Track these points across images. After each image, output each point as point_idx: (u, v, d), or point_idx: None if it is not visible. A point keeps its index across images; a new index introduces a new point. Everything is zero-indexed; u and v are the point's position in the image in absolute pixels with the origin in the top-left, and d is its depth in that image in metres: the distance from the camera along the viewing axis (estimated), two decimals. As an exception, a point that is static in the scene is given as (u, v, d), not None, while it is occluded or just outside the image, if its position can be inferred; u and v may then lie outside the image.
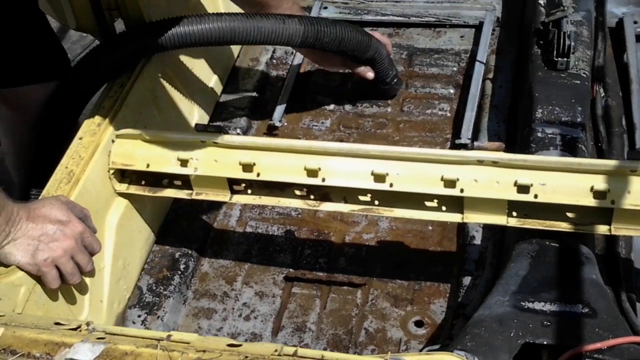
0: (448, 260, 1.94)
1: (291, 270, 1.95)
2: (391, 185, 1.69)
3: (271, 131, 2.30)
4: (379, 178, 1.69)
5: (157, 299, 1.89)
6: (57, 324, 1.29)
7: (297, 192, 1.77)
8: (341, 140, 2.25)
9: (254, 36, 1.93)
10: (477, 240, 1.93)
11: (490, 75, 2.37)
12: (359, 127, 2.32)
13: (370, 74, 2.25)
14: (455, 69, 2.46)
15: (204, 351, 1.16)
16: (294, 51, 2.55)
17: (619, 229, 1.64)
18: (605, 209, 1.62)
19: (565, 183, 1.62)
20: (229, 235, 2.06)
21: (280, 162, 1.73)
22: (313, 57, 2.31)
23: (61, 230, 1.52)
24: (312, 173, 1.71)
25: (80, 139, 1.80)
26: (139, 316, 1.85)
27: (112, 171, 1.81)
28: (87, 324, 1.27)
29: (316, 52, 2.18)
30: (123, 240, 1.84)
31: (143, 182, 1.84)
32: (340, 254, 1.98)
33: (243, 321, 1.86)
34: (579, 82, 2.07)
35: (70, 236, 1.53)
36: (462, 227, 1.97)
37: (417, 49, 2.55)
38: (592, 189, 1.60)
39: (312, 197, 1.77)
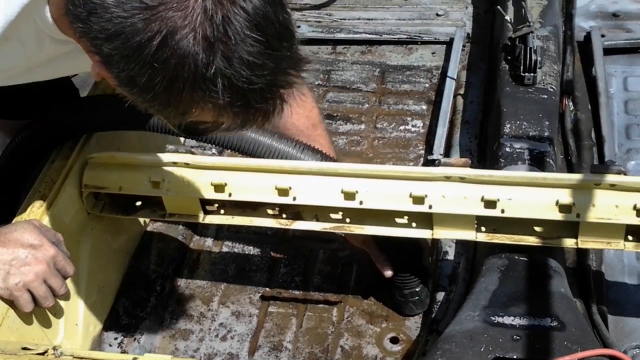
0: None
1: (267, 289, 1.97)
2: (361, 202, 1.71)
3: (246, 150, 2.31)
4: (349, 196, 1.71)
5: (133, 320, 1.90)
6: (24, 348, 1.30)
7: (270, 211, 1.79)
8: (316, 158, 2.27)
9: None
10: (450, 256, 1.95)
11: (462, 91, 2.41)
12: (333, 144, 2.34)
13: (388, 272, 1.84)
14: (427, 85, 2.49)
15: (171, 373, 1.18)
16: (268, 70, 2.57)
17: (586, 242, 1.67)
18: (571, 223, 1.65)
19: (531, 197, 1.65)
20: (205, 255, 2.07)
21: (251, 181, 1.75)
22: None
23: (33, 254, 1.53)
24: (283, 192, 1.73)
25: (53, 162, 1.81)
26: (116, 338, 1.86)
27: (85, 194, 1.81)
28: (54, 348, 1.28)
29: None
30: (98, 263, 1.85)
31: (116, 205, 1.85)
32: (316, 272, 1.99)
33: (220, 341, 1.87)
34: (546, 96, 2.10)
35: (42, 260, 1.54)
36: (435, 243, 1.99)
37: (390, 66, 2.58)
38: (557, 203, 1.63)
39: (284, 215, 1.79)
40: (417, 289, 1.84)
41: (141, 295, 1.94)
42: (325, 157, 1.80)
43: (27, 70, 1.48)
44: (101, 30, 1.10)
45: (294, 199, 1.73)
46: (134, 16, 1.07)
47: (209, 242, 2.10)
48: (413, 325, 1.86)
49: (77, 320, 1.74)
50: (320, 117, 1.92)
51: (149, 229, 2.08)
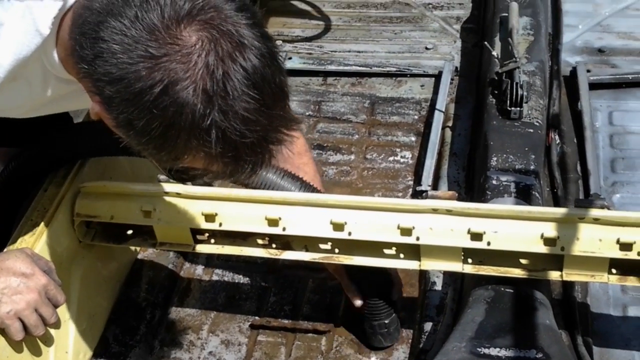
0: (410, 305, 1.98)
1: (257, 318, 1.98)
2: (350, 233, 1.74)
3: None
4: (338, 227, 1.73)
5: (123, 348, 1.91)
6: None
7: (259, 241, 1.81)
8: (306, 188, 2.30)
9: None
10: (438, 286, 1.97)
11: (450, 124, 2.45)
12: (323, 174, 2.37)
13: (357, 302, 1.87)
14: (416, 117, 2.53)
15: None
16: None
17: (570, 275, 1.69)
18: (556, 256, 1.68)
19: (517, 230, 1.68)
20: (195, 284, 2.09)
21: (241, 211, 1.77)
22: None
23: (24, 283, 1.54)
24: (273, 222, 1.75)
25: (45, 190, 1.83)
26: (105, 365, 1.87)
27: (76, 222, 1.83)
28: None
29: None
30: (88, 291, 1.86)
31: (108, 233, 1.87)
32: (305, 301, 2.01)
33: (209, 370, 1.88)
34: (532, 130, 2.14)
35: (33, 289, 1.55)
36: (423, 273, 2.01)
37: (379, 97, 2.62)
38: (542, 236, 1.65)
39: (274, 245, 1.81)
40: (386, 321, 1.85)
41: (131, 323, 1.96)
42: (305, 185, 1.82)
43: (31, 109, 1.51)
44: (105, 74, 1.15)
45: (284, 229, 1.76)
46: (139, 64, 1.12)
47: (199, 270, 2.12)
48: (401, 355, 1.87)
49: (67, 348, 1.75)
50: (306, 146, 1.96)
51: (139, 257, 2.10)
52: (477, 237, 1.69)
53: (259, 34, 1.16)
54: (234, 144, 1.15)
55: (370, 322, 1.86)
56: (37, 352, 1.64)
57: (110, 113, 1.19)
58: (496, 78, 2.28)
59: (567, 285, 1.91)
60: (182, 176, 1.31)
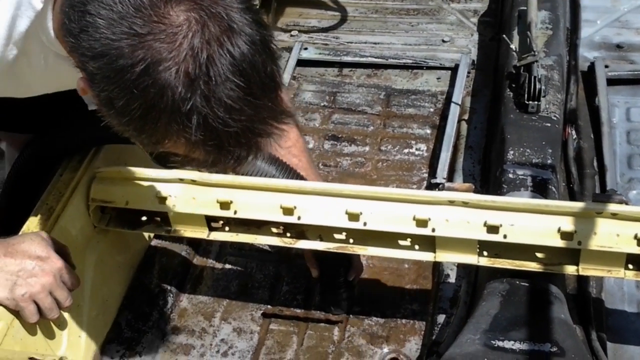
0: (423, 298, 1.97)
1: (269, 306, 1.98)
2: (365, 224, 1.73)
3: (251, 169, 2.34)
4: (353, 217, 1.73)
5: (135, 334, 1.91)
6: (31, 358, 1.31)
7: (274, 230, 1.80)
8: (320, 178, 2.29)
9: None
10: (452, 279, 1.96)
11: (466, 117, 2.44)
12: (338, 165, 2.37)
13: (314, 272, 1.94)
14: (431, 109, 2.52)
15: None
16: (275, 90, 2.60)
17: (587, 270, 1.68)
18: (573, 250, 1.67)
19: (533, 224, 1.67)
20: (208, 271, 2.08)
21: (257, 200, 1.77)
22: None
23: (40, 266, 1.55)
24: (288, 211, 1.75)
25: (61, 175, 1.83)
26: (117, 351, 1.87)
27: (91, 207, 1.83)
28: (61, 358, 1.29)
29: None
30: (102, 276, 1.86)
31: (122, 219, 1.87)
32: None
33: (221, 357, 1.88)
34: (549, 124, 2.13)
35: (49, 272, 1.55)
36: (437, 266, 2.00)
37: (395, 89, 2.61)
38: (559, 230, 1.64)
39: (288, 234, 1.80)
40: (338, 294, 1.93)
41: (144, 309, 1.95)
42: (295, 174, 1.82)
43: (35, 87, 1.50)
44: (89, 49, 1.12)
45: (299, 218, 1.75)
46: (122, 40, 1.09)
47: (212, 258, 2.11)
48: (413, 346, 1.87)
49: (81, 332, 1.75)
50: (300, 138, 1.95)
51: (153, 243, 2.10)
52: (493, 229, 1.68)
53: (252, 19, 1.13)
54: (216, 132, 1.11)
55: (324, 294, 1.95)
56: (50, 335, 1.65)
57: (93, 90, 1.16)
58: (514, 71, 2.27)
59: (582, 281, 1.90)
60: (164, 162, 1.27)
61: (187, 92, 1.08)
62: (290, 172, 1.83)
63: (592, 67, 2.53)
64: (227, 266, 2.09)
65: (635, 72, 2.51)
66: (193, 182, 1.79)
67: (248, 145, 1.17)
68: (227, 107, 1.10)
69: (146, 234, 2.06)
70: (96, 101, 1.18)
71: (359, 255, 1.94)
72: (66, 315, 1.69)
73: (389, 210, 1.73)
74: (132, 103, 1.10)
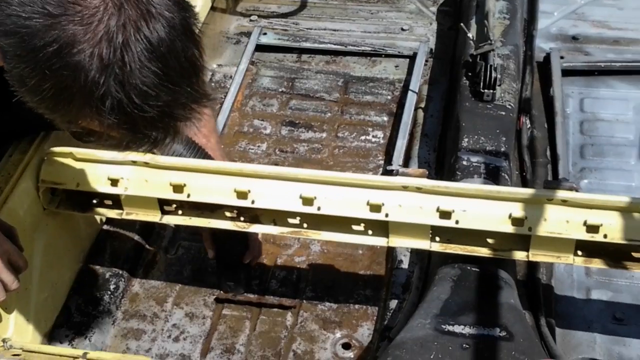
0: (376, 283, 1.98)
1: (222, 292, 1.97)
2: (319, 208, 1.73)
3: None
4: (307, 201, 1.73)
5: (85, 319, 1.88)
6: (-26, 339, 1.29)
7: (228, 214, 1.79)
8: (276, 164, 2.29)
9: None
10: (405, 265, 1.97)
11: (423, 105, 2.45)
12: (295, 151, 2.37)
13: (210, 252, 1.96)
14: (389, 97, 2.53)
15: (121, 368, 1.18)
16: (232, 75, 2.59)
17: (537, 255, 1.70)
18: (523, 236, 1.68)
19: (485, 210, 1.68)
20: (161, 256, 2.07)
21: (210, 183, 1.75)
22: None
23: None
24: (242, 195, 1.74)
25: (10, 156, 1.80)
26: (67, 336, 1.84)
27: (41, 189, 1.80)
28: (4, 340, 1.27)
29: None
30: (52, 259, 1.83)
31: (73, 201, 1.84)
32: (272, 276, 2.00)
33: (172, 342, 1.86)
34: (504, 113, 2.15)
35: None
36: (390, 251, 2.01)
37: (353, 76, 2.61)
38: (510, 216, 1.66)
39: (242, 218, 1.79)
40: (232, 275, 1.96)
41: (94, 293, 1.93)
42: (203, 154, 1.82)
43: None
44: (1, 24, 1.08)
45: (253, 202, 1.74)
46: (33, 19, 1.05)
47: (165, 243, 2.10)
48: (365, 332, 1.87)
49: (28, 316, 1.72)
50: (215, 129, 1.97)
51: (104, 227, 2.07)
52: (445, 215, 1.69)
53: (173, 2, 1.09)
54: (131, 117, 1.08)
55: (220, 275, 1.97)
56: (-4, 318, 1.62)
57: (6, 65, 1.12)
58: (470, 60, 2.28)
59: (532, 267, 1.92)
60: (81, 138, 1.22)
61: (100, 77, 1.05)
62: (199, 152, 1.82)
63: (547, 57, 2.55)
64: (181, 251, 2.07)
65: (590, 64, 2.54)
66: (146, 164, 1.77)
67: (165, 129, 1.14)
68: (142, 93, 1.07)
69: (97, 218, 2.03)
70: (9, 77, 1.14)
71: (257, 239, 1.95)
72: (14, 298, 1.65)
73: (343, 195, 1.73)
74: (43, 83, 1.07)
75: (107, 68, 1.05)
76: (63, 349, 1.30)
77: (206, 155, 1.83)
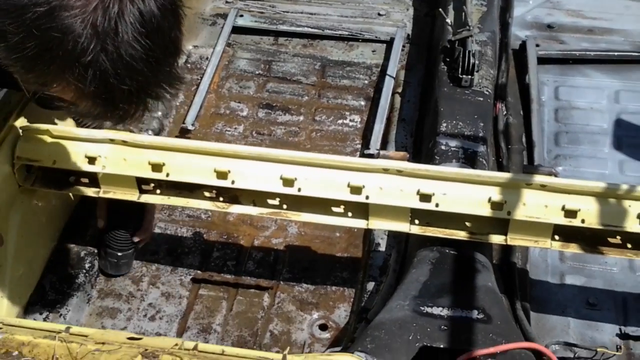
0: (353, 266, 1.99)
1: (199, 272, 1.96)
2: (299, 190, 1.73)
3: (184, 134, 2.31)
4: (288, 182, 1.72)
5: (60, 297, 1.86)
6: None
7: (207, 194, 1.78)
8: (253, 146, 2.27)
9: None
10: (382, 247, 1.98)
11: (400, 90, 2.45)
12: (272, 134, 2.36)
13: (100, 222, 1.93)
14: (366, 82, 2.53)
15: (103, 343, 1.16)
16: (209, 56, 2.57)
17: (514, 239, 1.72)
18: (502, 220, 1.70)
19: (465, 193, 1.69)
20: (136, 236, 2.05)
21: (190, 163, 1.74)
22: None
23: None
24: (221, 175, 1.73)
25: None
26: (41, 314, 1.82)
27: (17, 166, 1.77)
28: (-23, 314, 1.25)
29: None
30: (26, 237, 1.81)
31: (49, 179, 1.81)
32: (249, 258, 2.00)
33: (148, 321, 1.85)
34: (482, 99, 2.16)
35: None
36: (368, 234, 2.02)
37: (330, 60, 2.61)
38: (489, 200, 1.68)
39: (221, 199, 1.78)
40: (118, 254, 1.91)
41: (69, 271, 1.91)
42: None
43: None
44: None
45: (233, 182, 1.74)
46: None
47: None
48: (342, 313, 1.88)
49: (3, 293, 1.70)
50: None
51: (79, 205, 2.04)
52: (425, 198, 1.70)
53: None
54: (110, 88, 1.08)
55: (106, 248, 1.92)
56: (-29, 295, 1.59)
57: None
58: (448, 46, 2.29)
59: (507, 251, 1.95)
60: (47, 104, 1.21)
61: (90, 44, 1.04)
62: None
63: (523, 45, 2.57)
64: (157, 231, 2.05)
65: (565, 52, 2.57)
66: (124, 142, 1.75)
67: (137, 104, 1.14)
68: (127, 65, 1.07)
69: (72, 196, 2.00)
70: None
71: (151, 222, 1.94)
72: (-13, 275, 1.64)
73: (324, 177, 1.73)
74: (27, 41, 1.05)
75: (99, 36, 1.04)
76: (45, 323, 1.29)
77: None
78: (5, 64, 1.11)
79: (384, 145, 2.27)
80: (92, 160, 1.75)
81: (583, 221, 1.66)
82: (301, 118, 2.41)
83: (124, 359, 1.10)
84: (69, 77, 1.07)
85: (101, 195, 1.80)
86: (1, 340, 1.16)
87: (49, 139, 1.77)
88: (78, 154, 1.75)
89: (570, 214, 1.66)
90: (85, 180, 1.80)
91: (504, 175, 1.73)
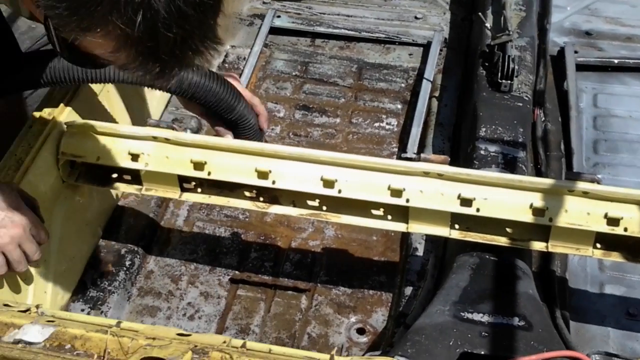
0: (391, 270, 1.98)
1: (237, 272, 1.97)
2: (339, 191, 1.73)
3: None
4: (328, 184, 1.72)
5: (101, 294, 1.88)
6: (5, 305, 1.28)
7: (247, 194, 1.79)
8: (290, 148, 2.28)
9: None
10: (420, 252, 1.98)
11: (437, 94, 2.45)
12: (308, 135, 2.36)
13: (228, 136, 1.88)
14: (403, 85, 2.52)
15: (153, 338, 1.17)
16: (246, 57, 2.58)
17: (556, 247, 1.71)
18: (543, 226, 1.69)
19: (506, 199, 1.68)
20: (176, 235, 2.06)
21: (231, 162, 1.75)
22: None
23: (10, 217, 1.50)
24: (262, 175, 1.73)
25: (31, 127, 1.78)
26: (82, 310, 1.84)
27: (61, 162, 1.78)
28: (37, 306, 1.26)
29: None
30: (70, 233, 1.82)
31: (92, 175, 1.83)
32: (286, 259, 2.00)
33: (187, 320, 1.86)
34: (521, 104, 2.15)
35: (18, 224, 1.51)
36: (405, 239, 2.02)
37: (367, 63, 2.61)
38: (531, 206, 1.67)
39: (261, 199, 1.79)
40: None
41: (110, 269, 1.92)
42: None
43: None
44: None
45: (273, 182, 1.74)
46: None
47: (180, 221, 2.09)
48: (380, 317, 1.88)
49: (46, 288, 1.71)
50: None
51: (120, 203, 2.06)
52: (466, 202, 1.69)
53: None
54: (157, 34, 1.03)
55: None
56: (16, 289, 1.61)
57: None
58: (487, 50, 2.28)
59: (547, 259, 1.93)
60: (78, 58, 1.17)
61: None
62: (220, 81, 1.79)
63: (561, 51, 2.56)
64: (195, 230, 2.07)
65: (604, 59, 2.55)
66: (167, 140, 1.76)
67: (178, 58, 1.10)
68: (178, 9, 1.02)
69: (114, 193, 2.02)
70: None
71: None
72: (33, 270, 1.65)
73: (364, 179, 1.73)
74: None
75: None
76: (95, 317, 1.30)
77: (229, 86, 1.81)
78: (47, 5, 1.05)
79: (421, 149, 2.27)
80: (135, 157, 1.76)
81: (626, 229, 1.65)
82: (338, 120, 2.42)
83: (175, 354, 1.10)
84: (115, 20, 1.02)
85: (143, 192, 1.81)
86: (54, 333, 1.17)
87: (93, 135, 1.79)
88: (121, 151, 1.77)
89: (613, 222, 1.65)
90: (128, 177, 1.82)
91: (546, 181, 1.72)
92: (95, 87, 1.96)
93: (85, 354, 1.19)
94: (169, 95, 2.38)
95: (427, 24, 2.76)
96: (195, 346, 1.17)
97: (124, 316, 1.85)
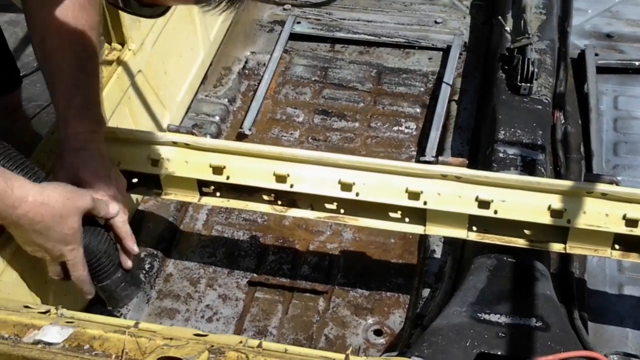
0: (408, 272, 1.99)
1: (255, 275, 1.98)
2: (357, 194, 1.73)
3: (241, 139, 2.34)
4: (346, 187, 1.73)
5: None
6: (26, 307, 1.31)
7: (265, 197, 1.80)
8: (309, 152, 2.29)
9: None
10: (438, 254, 1.98)
11: (456, 97, 2.45)
12: (327, 139, 2.37)
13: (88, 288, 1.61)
14: (422, 89, 2.53)
15: (171, 339, 1.19)
16: (266, 63, 2.60)
17: (574, 248, 1.71)
18: (561, 228, 1.69)
19: (524, 200, 1.68)
20: (195, 238, 2.08)
21: (250, 166, 1.76)
22: None
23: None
24: (280, 179, 1.75)
25: (52, 133, 1.81)
26: (102, 313, 1.84)
27: (82, 167, 1.81)
28: (56, 308, 1.29)
29: None
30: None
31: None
32: (304, 262, 2.01)
33: (205, 322, 1.88)
34: (540, 107, 2.15)
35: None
36: (423, 241, 2.02)
37: (386, 67, 2.61)
38: (549, 207, 1.66)
39: (279, 202, 1.80)
40: (115, 273, 1.61)
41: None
42: None
43: None
44: None
45: (291, 186, 1.75)
46: None
47: (199, 225, 2.11)
48: (397, 319, 1.88)
49: (67, 290, 1.73)
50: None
51: (140, 207, 2.09)
52: (484, 205, 1.70)
53: None
54: None
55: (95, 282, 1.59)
56: (37, 291, 1.63)
57: None
58: (507, 54, 2.28)
59: (565, 260, 1.92)
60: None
61: None
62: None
63: (582, 54, 2.55)
64: (214, 234, 2.09)
65: (624, 62, 2.53)
66: (186, 145, 1.78)
67: None
68: None
69: (134, 197, 2.04)
70: None
71: (123, 222, 1.63)
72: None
73: (382, 182, 1.74)
74: None
75: None
76: (113, 318, 1.31)
77: None
78: None
79: (439, 152, 2.27)
80: (155, 162, 1.79)
81: (645, 231, 1.64)
82: (357, 124, 2.43)
83: (191, 354, 1.12)
84: None
85: (163, 197, 1.84)
86: (73, 333, 1.20)
87: (113, 141, 1.81)
88: (142, 156, 1.79)
89: (632, 223, 1.64)
90: (148, 182, 1.84)
91: (564, 183, 1.72)
92: (115, 93, 1.99)
93: (103, 354, 1.21)
94: (189, 101, 2.42)
95: (447, 28, 2.77)
96: (212, 346, 1.18)
97: (142, 318, 1.87)
